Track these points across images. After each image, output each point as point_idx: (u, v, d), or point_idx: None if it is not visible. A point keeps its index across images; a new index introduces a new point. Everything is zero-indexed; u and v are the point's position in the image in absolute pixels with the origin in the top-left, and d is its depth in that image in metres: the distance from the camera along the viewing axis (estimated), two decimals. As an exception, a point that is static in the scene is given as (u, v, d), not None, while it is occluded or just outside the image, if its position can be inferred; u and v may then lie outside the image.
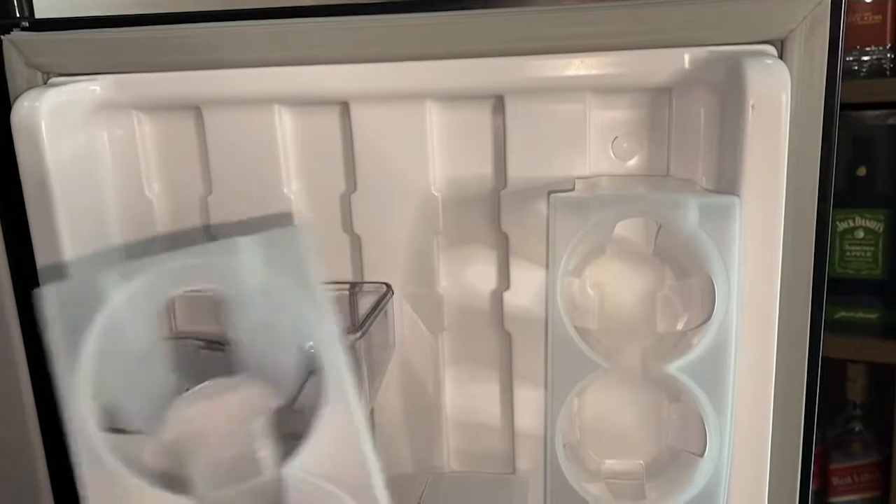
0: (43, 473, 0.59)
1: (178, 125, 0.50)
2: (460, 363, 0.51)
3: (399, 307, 0.50)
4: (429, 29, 0.44)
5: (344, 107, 0.47)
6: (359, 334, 0.43)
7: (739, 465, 0.44)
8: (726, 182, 0.41)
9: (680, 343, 0.44)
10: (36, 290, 0.31)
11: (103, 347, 0.30)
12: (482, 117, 0.47)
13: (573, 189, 0.43)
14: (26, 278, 0.51)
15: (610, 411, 0.50)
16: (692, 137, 0.44)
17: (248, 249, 0.32)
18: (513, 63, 0.44)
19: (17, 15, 0.52)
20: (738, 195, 0.40)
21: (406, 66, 0.45)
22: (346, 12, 0.45)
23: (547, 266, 0.40)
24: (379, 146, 0.48)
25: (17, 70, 0.49)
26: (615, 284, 0.47)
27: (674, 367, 0.39)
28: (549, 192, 0.40)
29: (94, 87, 0.48)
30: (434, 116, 0.47)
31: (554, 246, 0.39)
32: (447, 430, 0.52)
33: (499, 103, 0.46)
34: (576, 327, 0.46)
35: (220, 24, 0.46)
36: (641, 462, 0.49)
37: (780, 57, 0.41)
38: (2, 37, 0.49)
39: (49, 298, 0.31)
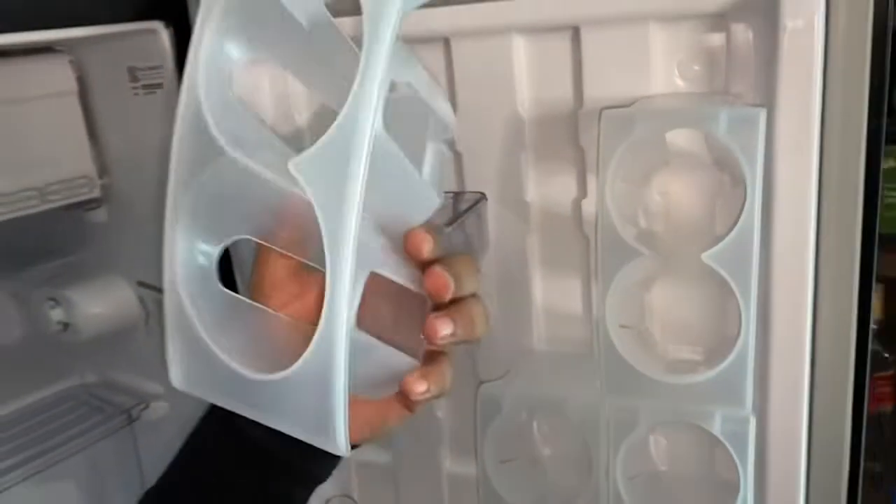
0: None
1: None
2: (546, 261, 0.60)
3: (493, 212, 0.59)
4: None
5: (446, 43, 0.57)
6: (452, 227, 0.53)
7: (778, 356, 0.50)
8: (768, 97, 0.46)
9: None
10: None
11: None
12: (562, 46, 0.54)
13: (630, 106, 0.50)
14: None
15: (678, 306, 0.57)
16: (744, 58, 0.49)
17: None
18: (585, -2, 0.51)
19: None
20: (774, 108, 0.45)
21: (495, 5, 0.53)
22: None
23: (597, 171, 0.47)
24: (475, 75, 0.57)
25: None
26: (679, 191, 0.54)
27: (705, 256, 0.46)
28: (602, 109, 0.48)
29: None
30: (521, 47, 0.55)
31: (602, 153, 0.46)
32: (537, 316, 0.62)
33: (575, 34, 0.53)
34: (642, 229, 0.53)
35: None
36: (700, 348, 0.56)
37: (827, -19, 0.45)
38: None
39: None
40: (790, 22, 0.43)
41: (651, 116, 0.46)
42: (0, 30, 0.57)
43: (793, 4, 0.44)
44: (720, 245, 0.45)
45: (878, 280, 0.44)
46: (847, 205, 0.48)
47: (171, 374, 0.37)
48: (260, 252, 0.42)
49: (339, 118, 0.32)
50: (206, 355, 0.35)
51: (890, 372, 0.88)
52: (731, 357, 0.47)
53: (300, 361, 0.32)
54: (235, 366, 0.35)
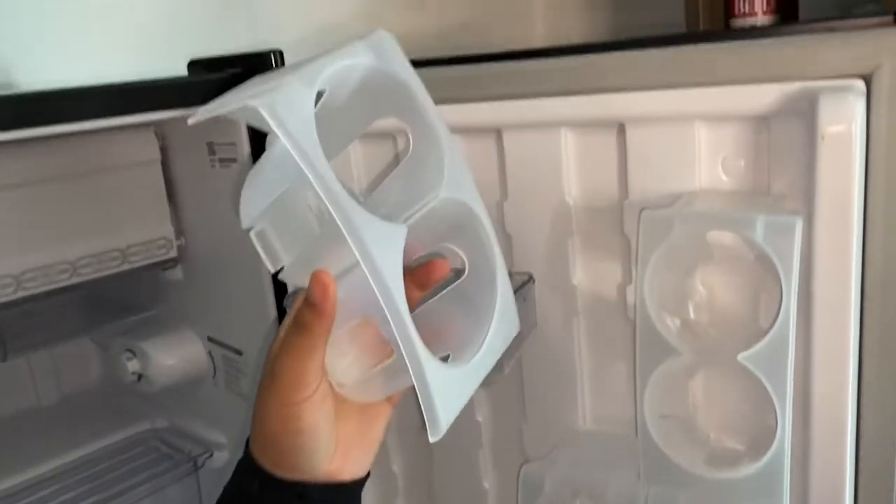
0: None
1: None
2: (592, 342, 0.62)
3: (541, 294, 0.61)
4: (565, 73, 0.55)
5: (497, 134, 0.60)
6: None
7: (818, 458, 0.50)
8: (807, 201, 0.47)
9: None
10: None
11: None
12: (608, 140, 0.57)
13: (670, 207, 0.52)
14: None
15: (720, 396, 0.57)
16: (786, 159, 0.50)
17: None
18: (631, 98, 0.53)
19: (273, 67, 0.71)
20: (813, 214, 0.46)
21: (546, 101, 0.56)
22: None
23: (635, 267, 0.49)
24: (525, 164, 0.59)
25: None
26: (723, 285, 0.55)
27: (741, 357, 0.47)
28: (642, 210, 0.49)
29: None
30: (569, 140, 0.58)
31: (641, 253, 0.48)
32: (582, 396, 0.63)
33: (621, 129, 0.56)
34: (687, 320, 0.55)
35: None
36: (744, 437, 0.56)
37: (868, 91, 0.46)
38: (262, 85, 0.68)
39: (271, 109, 0.36)
40: (828, 128, 0.45)
41: (689, 219, 0.47)
42: (102, 114, 0.63)
43: (831, 111, 0.45)
44: (756, 347, 0.46)
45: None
46: (892, 307, 0.48)
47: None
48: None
49: None
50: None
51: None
52: (767, 455, 0.48)
53: None
54: None
